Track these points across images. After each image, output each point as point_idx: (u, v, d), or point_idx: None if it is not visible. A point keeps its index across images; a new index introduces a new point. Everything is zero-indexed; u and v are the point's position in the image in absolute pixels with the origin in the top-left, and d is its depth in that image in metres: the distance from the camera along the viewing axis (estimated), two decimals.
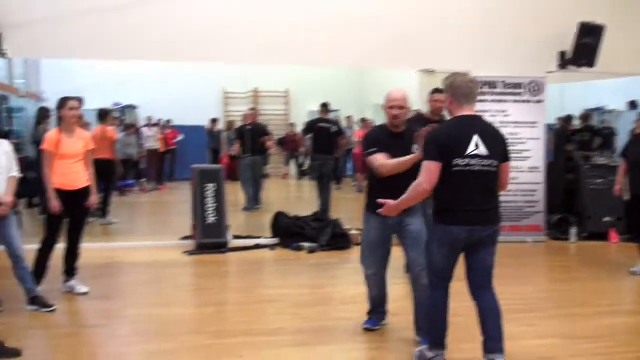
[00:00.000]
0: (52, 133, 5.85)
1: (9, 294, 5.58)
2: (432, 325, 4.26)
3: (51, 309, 5.39)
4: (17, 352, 4.38)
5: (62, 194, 5.69)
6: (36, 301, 5.40)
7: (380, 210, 4.13)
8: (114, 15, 7.63)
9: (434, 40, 8.51)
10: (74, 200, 5.78)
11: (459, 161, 3.90)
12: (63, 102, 5.80)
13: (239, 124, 13.03)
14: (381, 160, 4.51)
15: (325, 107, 10.34)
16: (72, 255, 5.99)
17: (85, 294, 5.92)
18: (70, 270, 6.00)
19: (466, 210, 3.96)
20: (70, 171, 5.77)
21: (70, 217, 5.87)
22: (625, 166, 7.03)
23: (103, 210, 9.81)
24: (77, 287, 5.97)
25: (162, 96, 16.35)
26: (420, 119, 6.48)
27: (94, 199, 6.00)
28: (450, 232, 4.00)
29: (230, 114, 18.04)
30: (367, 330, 4.98)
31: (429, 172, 3.89)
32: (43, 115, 10.36)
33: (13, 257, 5.33)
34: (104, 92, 15.85)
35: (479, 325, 4.18)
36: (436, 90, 6.56)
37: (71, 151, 5.77)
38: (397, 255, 4.88)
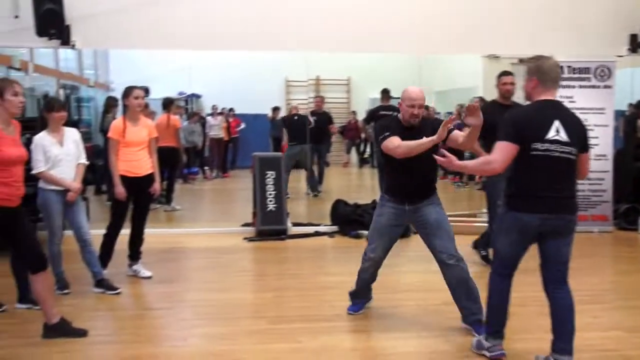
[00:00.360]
0: (117, 121, 6.03)
1: (76, 277, 5.80)
2: (491, 314, 4.19)
3: (116, 291, 5.58)
4: (83, 333, 4.56)
5: (127, 180, 5.86)
6: (102, 284, 5.60)
7: (440, 160, 4.01)
8: (178, 5, 7.76)
9: (498, 25, 8.31)
10: (138, 186, 5.95)
11: (538, 145, 3.81)
12: (128, 91, 5.97)
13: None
14: (396, 142, 4.48)
15: (386, 93, 10.30)
16: (136, 240, 6.17)
17: (148, 277, 6.10)
18: (134, 254, 6.19)
19: (541, 196, 3.85)
20: (135, 158, 5.94)
21: (135, 203, 6.05)
22: None
23: (167, 196, 10.05)
24: (141, 271, 6.15)
25: (225, 85, 16.59)
26: (495, 107, 6.41)
27: (157, 186, 6.16)
28: (520, 219, 3.91)
29: (291, 102, 18.14)
30: (350, 314, 5.06)
31: (504, 153, 3.81)
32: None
33: (81, 241, 5.53)
34: (169, 81, 16.20)
35: (550, 319, 4.10)
36: (504, 73, 6.48)
37: (136, 139, 5.94)
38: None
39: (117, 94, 13.26)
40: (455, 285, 4.69)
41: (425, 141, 4.36)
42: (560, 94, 8.28)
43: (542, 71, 3.93)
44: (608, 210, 8.57)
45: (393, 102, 11.10)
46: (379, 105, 10.29)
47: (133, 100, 5.91)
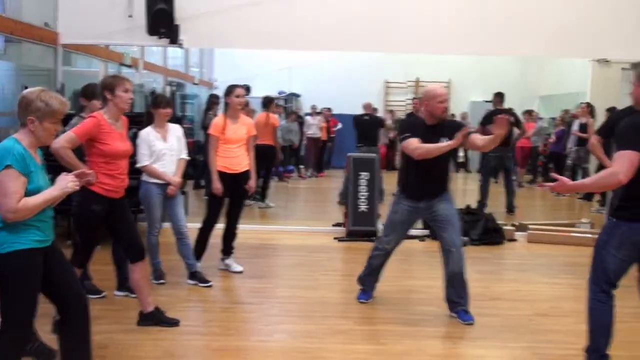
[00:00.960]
0: (218, 119, 6.20)
1: (172, 268, 6.04)
2: (593, 336, 3.87)
3: (208, 284, 5.77)
4: (175, 322, 4.75)
5: (224, 176, 6.02)
6: (195, 276, 5.80)
7: (551, 185, 3.86)
8: (280, 6, 7.92)
9: (608, 29, 7.96)
10: (234, 182, 6.10)
11: None
12: (230, 90, 6.14)
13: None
14: (416, 144, 4.83)
15: (500, 97, 10.11)
16: (229, 235, 6.34)
17: (239, 272, 6.27)
18: (227, 249, 6.37)
19: None
20: (233, 155, 6.08)
21: (230, 199, 6.21)
22: None
23: (262, 194, 10.25)
24: (233, 265, 6.33)
25: (324, 85, 16.76)
26: (627, 112, 6.20)
27: (253, 183, 6.29)
28: (636, 230, 3.63)
29: (390, 103, 18.11)
30: (362, 303, 5.35)
31: (629, 163, 3.49)
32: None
33: (178, 233, 5.76)
34: (269, 80, 16.57)
35: None
36: None
37: (235, 136, 6.08)
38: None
39: (220, 91, 13.69)
40: (453, 273, 5.03)
41: (443, 145, 4.79)
42: None
43: None
44: None
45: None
46: (495, 108, 10.11)
47: (234, 98, 6.06)
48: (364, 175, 8.11)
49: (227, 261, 6.36)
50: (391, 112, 17.00)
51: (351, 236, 7.90)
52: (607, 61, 10.46)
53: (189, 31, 7.84)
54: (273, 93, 15.65)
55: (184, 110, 14.49)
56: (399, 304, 5.43)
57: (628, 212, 3.66)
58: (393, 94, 18.13)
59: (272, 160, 10.30)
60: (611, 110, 9.33)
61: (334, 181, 13.94)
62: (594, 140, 6.43)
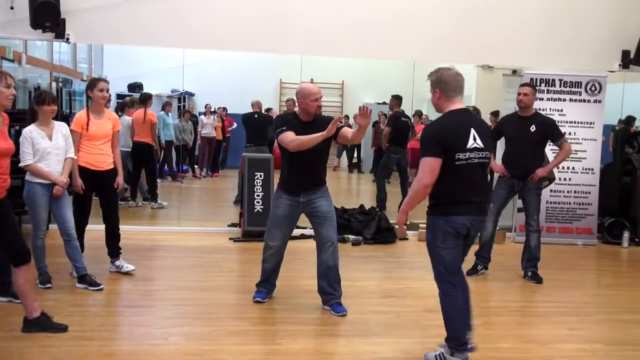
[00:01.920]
0: (80, 114, 5.97)
1: (59, 272, 5.80)
2: (453, 327, 4.14)
3: (99, 287, 5.58)
4: (64, 328, 4.56)
5: (89, 173, 5.82)
6: (85, 279, 5.59)
7: (396, 221, 4.22)
8: (174, 2, 7.78)
9: (492, 35, 8.39)
10: (100, 180, 5.92)
11: (461, 155, 3.94)
12: (93, 83, 5.96)
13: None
14: (292, 137, 4.97)
15: (398, 99, 10.43)
16: (112, 235, 6.14)
17: (132, 271, 6.11)
18: (113, 251, 6.18)
19: (469, 201, 4.03)
20: (97, 152, 5.90)
21: (100, 198, 6.04)
22: None
23: (151, 194, 10.10)
24: (124, 266, 6.15)
25: (219, 84, 16.55)
26: (513, 117, 6.70)
27: (121, 180, 6.12)
28: (453, 222, 4.01)
29: (285, 104, 18.15)
30: (257, 302, 5.36)
31: (431, 168, 3.92)
32: (145, 100, 10.53)
33: (65, 235, 5.53)
34: (162, 78, 16.17)
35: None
36: (525, 84, 6.64)
37: (99, 132, 5.91)
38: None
39: (111, 89, 13.26)
40: (327, 268, 5.24)
41: (317, 136, 4.91)
42: (551, 107, 8.51)
43: (442, 82, 4.04)
44: (593, 224, 8.63)
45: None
46: (396, 111, 10.38)
47: (98, 92, 5.86)
48: (259, 175, 8.10)
49: (117, 262, 6.17)
50: (257, 104, 16.99)
51: (247, 236, 7.87)
52: (490, 67, 10.99)
53: (76, 25, 7.54)
54: (166, 91, 15.33)
55: (71, 107, 13.90)
56: (294, 303, 5.47)
57: (444, 209, 4.04)
58: (288, 94, 18.15)
59: (151, 158, 10.05)
60: (495, 114, 9.82)
61: (229, 181, 13.83)
62: None
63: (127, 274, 6.11)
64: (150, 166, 10.11)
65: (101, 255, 6.13)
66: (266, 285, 5.51)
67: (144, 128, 9.76)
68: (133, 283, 5.93)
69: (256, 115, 10.94)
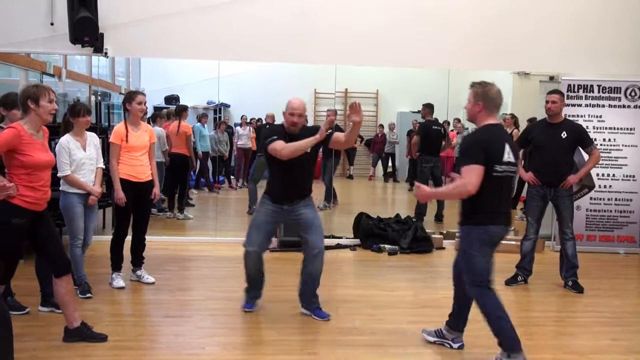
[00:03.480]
0: (119, 126, 6.08)
1: (99, 282, 5.88)
2: (501, 329, 4.21)
3: (85, 296, 5.63)
4: (103, 337, 4.63)
5: (129, 185, 5.93)
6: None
7: (416, 193, 4.38)
8: (208, 15, 7.86)
9: (528, 42, 8.28)
10: (139, 191, 6.03)
11: (498, 167, 4.14)
12: (131, 96, 6.09)
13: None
14: (282, 144, 4.99)
15: (430, 108, 10.40)
16: (137, 245, 6.27)
17: (152, 283, 6.19)
18: (137, 260, 6.30)
19: (502, 212, 4.28)
20: (137, 163, 6.01)
21: (134, 208, 6.11)
22: None
23: (179, 205, 10.08)
24: (145, 276, 6.27)
25: (253, 95, 16.69)
26: (541, 124, 6.66)
27: (157, 190, 6.24)
28: (490, 231, 4.21)
29: (319, 114, 18.20)
30: (246, 312, 5.35)
31: (476, 175, 4.07)
32: (180, 112, 10.68)
33: (84, 244, 5.65)
34: (198, 90, 16.36)
35: None
36: (553, 91, 6.53)
37: (138, 143, 6.02)
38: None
39: (148, 102, 13.45)
40: (312, 275, 5.26)
41: (308, 140, 4.94)
42: (590, 113, 8.37)
43: (489, 97, 4.24)
44: (635, 232, 8.44)
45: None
46: (428, 120, 10.36)
47: (136, 105, 5.99)
48: None
49: (139, 272, 6.28)
50: (271, 117, 17.05)
51: (283, 246, 7.88)
52: (526, 74, 10.87)
53: (113, 40, 7.68)
54: (202, 103, 15.51)
55: (110, 120, 14.16)
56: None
57: (482, 218, 4.19)
58: (322, 104, 18.20)
59: (186, 170, 10.12)
60: (531, 121, 9.70)
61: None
62: None
63: (147, 284, 6.19)
64: (184, 178, 10.16)
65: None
66: (252, 292, 5.48)
67: (179, 140, 9.87)
68: (171, 293, 5.98)
69: (267, 126, 10.99)
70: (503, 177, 4.18)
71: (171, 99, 15.33)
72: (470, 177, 4.07)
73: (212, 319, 5.29)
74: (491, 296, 4.24)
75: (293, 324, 5.19)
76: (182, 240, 8.36)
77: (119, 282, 6.06)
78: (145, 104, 6.10)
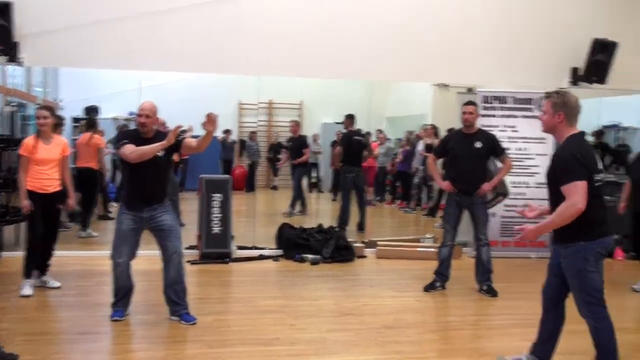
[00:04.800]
0: (28, 139, 6.14)
1: (10, 299, 5.67)
2: (610, 353, 4.10)
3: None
4: (14, 357, 4.44)
5: (36, 196, 6.00)
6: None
7: (518, 238, 4.17)
8: (129, 25, 7.75)
9: (447, 55, 8.58)
10: (46, 202, 6.08)
11: (596, 177, 4.01)
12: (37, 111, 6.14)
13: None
14: (132, 148, 5.08)
15: (351, 118, 10.55)
16: (46, 254, 6.31)
17: (57, 288, 6.26)
18: (43, 267, 6.34)
19: (606, 221, 4.09)
20: (44, 177, 6.07)
21: (44, 218, 6.12)
22: (629, 184, 6.99)
23: (83, 221, 9.56)
24: (50, 281, 6.36)
25: (177, 106, 16.44)
26: (458, 134, 6.85)
27: (72, 202, 6.41)
28: (605, 243, 4.05)
29: (243, 125, 18.15)
30: (115, 321, 5.31)
31: (582, 191, 3.86)
32: (93, 124, 10.25)
33: None
34: (120, 101, 16.04)
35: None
36: (466, 103, 6.70)
37: (47, 156, 6.06)
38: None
39: (67, 112, 13.06)
40: (173, 280, 5.37)
41: (156, 145, 5.05)
42: (504, 123, 8.68)
43: (570, 106, 4.07)
44: (546, 237, 8.77)
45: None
46: (350, 130, 10.48)
47: (36, 120, 6.10)
48: (217, 197, 8.07)
49: (44, 278, 6.32)
50: (254, 132, 17.06)
51: (205, 259, 7.81)
52: (445, 86, 11.19)
53: (30, 49, 7.49)
54: (123, 114, 15.20)
55: (25, 132, 13.67)
56: (252, 325, 5.42)
57: (595, 231, 4.00)
58: (247, 115, 18.16)
59: (94, 184, 9.64)
60: (450, 130, 9.96)
61: (187, 204, 13.73)
62: (430, 159, 6.99)
63: (52, 288, 6.23)
64: (91, 193, 9.65)
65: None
66: (123, 302, 5.47)
67: (88, 152, 9.44)
68: (87, 309, 5.81)
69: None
70: (601, 186, 4.05)
71: (91, 110, 14.95)
72: (577, 195, 3.84)
73: (133, 333, 5.19)
74: (609, 321, 4.07)
75: (216, 336, 5.13)
76: (99, 254, 8.14)
77: (26, 290, 6.02)
78: (43, 118, 6.06)
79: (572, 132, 4.07)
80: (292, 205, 12.14)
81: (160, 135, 5.30)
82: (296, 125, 12.50)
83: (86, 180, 9.35)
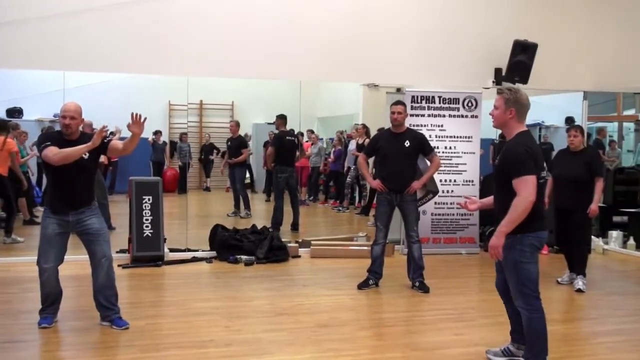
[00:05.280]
0: None
1: None
2: (541, 342, 4.26)
3: None
4: None
5: None
6: None
7: (490, 254, 4.20)
8: (51, 23, 7.54)
9: (375, 55, 8.71)
10: None
11: (542, 174, 4.18)
12: None
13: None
14: (56, 150, 4.94)
15: (283, 118, 10.55)
16: None
17: None
18: None
19: (544, 216, 4.26)
20: None
21: None
22: (552, 181, 7.25)
23: (6, 227, 9.22)
24: None
25: (104, 108, 16.06)
26: (387, 134, 6.91)
27: None
28: (541, 236, 4.20)
29: (174, 126, 17.89)
30: (44, 328, 5.19)
31: (532, 185, 4.01)
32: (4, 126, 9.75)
33: None
34: (43, 102, 15.54)
35: None
36: (397, 102, 6.78)
37: None
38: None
39: None
40: (103, 285, 5.27)
41: (81, 147, 4.94)
42: (432, 123, 8.87)
43: (521, 103, 4.20)
44: (475, 233, 9.05)
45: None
46: (282, 130, 10.48)
47: None
48: (147, 199, 7.93)
49: None
50: (185, 134, 16.83)
51: (136, 262, 7.66)
52: (375, 85, 11.35)
53: None
54: (48, 116, 14.72)
55: None
56: (186, 328, 5.36)
57: (533, 225, 4.12)
58: (176, 116, 17.90)
59: (5, 189, 9.14)
60: (381, 130, 10.13)
61: (117, 207, 13.44)
62: (360, 158, 7.10)
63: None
64: (7, 198, 9.25)
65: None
66: (52, 308, 5.33)
67: (2, 158, 9.02)
68: (13, 317, 5.62)
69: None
70: (544, 183, 4.25)
71: (14, 112, 14.46)
72: (528, 189, 3.99)
73: (60, 340, 5.05)
74: (542, 308, 4.23)
75: (149, 340, 5.04)
76: (25, 260, 7.88)
77: None
78: None
79: (522, 129, 4.22)
80: (237, 205, 12.00)
81: (85, 137, 5.17)
82: (236, 125, 12.40)
83: (2, 186, 8.97)
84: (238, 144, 12.15)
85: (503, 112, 4.22)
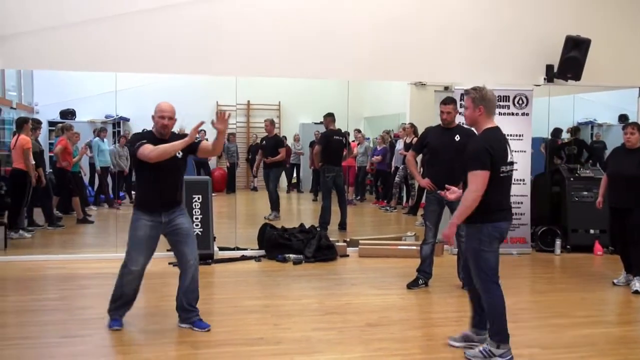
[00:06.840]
0: None
1: None
2: (499, 322, 4.50)
3: None
4: None
5: None
6: None
7: (440, 239, 4.41)
8: (105, 26, 7.71)
9: (423, 53, 8.65)
10: None
11: (504, 168, 4.38)
12: None
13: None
14: (151, 147, 4.88)
15: (331, 117, 10.53)
16: None
17: None
18: None
19: (507, 208, 4.53)
20: None
21: None
22: (606, 179, 7.08)
23: (9, 222, 9.32)
24: None
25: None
26: (436, 129, 6.90)
27: None
28: (500, 227, 4.44)
29: None
30: (117, 330, 5.17)
31: (482, 180, 4.28)
32: (21, 124, 10.01)
33: None
34: (96, 104, 15.90)
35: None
36: (446, 101, 6.72)
37: None
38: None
39: (42, 116, 12.93)
40: (189, 285, 5.22)
41: (178, 143, 4.88)
42: None
43: (487, 100, 4.42)
44: (526, 233, 8.89)
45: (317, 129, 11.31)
46: (330, 129, 10.46)
47: None
48: (197, 198, 8.04)
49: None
50: (233, 134, 17.01)
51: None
52: (422, 84, 11.26)
53: (4, 52, 7.39)
54: (100, 117, 15.08)
55: (2, 136, 13.50)
56: (235, 325, 5.41)
57: (491, 216, 4.40)
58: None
59: (23, 186, 9.30)
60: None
61: None
62: (409, 156, 7.02)
63: None
64: (21, 195, 9.37)
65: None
66: (124, 309, 5.33)
67: (16, 155, 9.23)
68: (69, 312, 5.76)
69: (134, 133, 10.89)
70: (507, 177, 4.43)
71: (67, 114, 14.83)
72: (477, 183, 4.27)
73: (114, 336, 5.14)
74: (500, 295, 4.49)
75: (198, 337, 5.11)
76: (80, 257, 8.09)
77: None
78: None
79: (489, 126, 4.44)
80: (273, 208, 11.91)
81: (174, 137, 5.11)
82: (271, 124, 12.26)
83: (16, 182, 9.20)
84: (274, 143, 11.96)
85: (472, 111, 4.45)
